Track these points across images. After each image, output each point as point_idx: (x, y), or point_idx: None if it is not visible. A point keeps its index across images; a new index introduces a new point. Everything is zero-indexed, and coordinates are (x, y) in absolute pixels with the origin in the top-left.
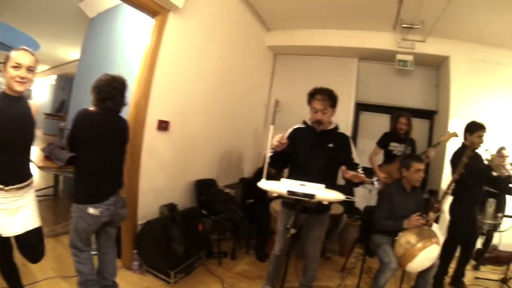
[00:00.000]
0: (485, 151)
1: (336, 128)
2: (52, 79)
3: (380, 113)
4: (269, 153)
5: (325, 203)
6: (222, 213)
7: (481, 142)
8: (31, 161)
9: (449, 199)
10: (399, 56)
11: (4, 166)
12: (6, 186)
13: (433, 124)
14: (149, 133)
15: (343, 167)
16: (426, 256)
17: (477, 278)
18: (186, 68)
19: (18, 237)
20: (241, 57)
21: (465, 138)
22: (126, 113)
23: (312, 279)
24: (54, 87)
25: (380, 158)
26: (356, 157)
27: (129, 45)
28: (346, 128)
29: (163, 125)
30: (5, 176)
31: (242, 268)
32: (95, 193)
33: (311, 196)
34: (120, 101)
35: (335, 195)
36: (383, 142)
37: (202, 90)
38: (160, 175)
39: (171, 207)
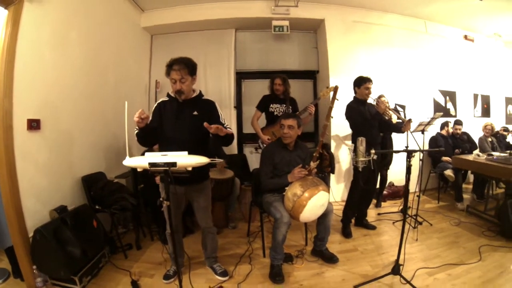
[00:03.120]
0: (374, 100)
1: (200, 95)
2: None
3: (262, 79)
4: (135, 130)
5: (189, 169)
6: (114, 204)
7: (369, 93)
8: None
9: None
10: (275, 22)
11: None
12: None
13: (316, 82)
14: (19, 135)
15: (206, 123)
16: (315, 203)
17: (379, 214)
18: (51, 60)
19: None
20: (112, 41)
21: (355, 92)
22: None
23: (214, 250)
24: None
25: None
26: (224, 120)
27: None
28: (229, 98)
29: (33, 124)
30: None
31: (149, 255)
32: None
33: (173, 164)
34: None
35: (198, 159)
36: (262, 105)
37: (72, 82)
38: (42, 178)
39: (62, 209)
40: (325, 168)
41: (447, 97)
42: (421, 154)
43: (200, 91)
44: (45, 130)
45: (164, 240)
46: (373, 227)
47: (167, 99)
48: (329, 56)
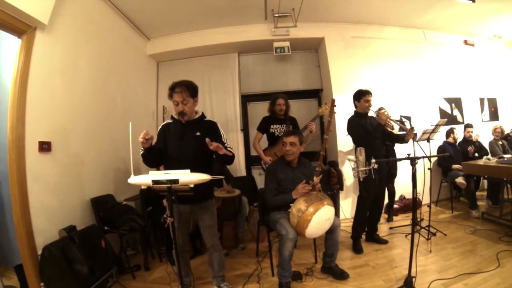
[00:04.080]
0: (374, 112)
1: (202, 116)
2: None
3: (267, 101)
4: (140, 151)
5: (191, 185)
6: (123, 225)
7: (369, 105)
8: None
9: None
10: (276, 44)
11: None
12: None
13: (321, 101)
14: (31, 156)
15: (207, 139)
16: (320, 218)
17: (391, 228)
18: (61, 86)
19: None
20: (120, 69)
21: (355, 106)
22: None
23: (221, 268)
24: None
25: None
26: (226, 140)
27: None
28: (235, 121)
29: (44, 146)
30: None
31: (157, 276)
32: None
33: (175, 181)
34: None
35: (199, 176)
36: (263, 127)
37: (82, 107)
38: (52, 198)
39: (71, 228)
40: (334, 186)
41: (453, 104)
42: (429, 163)
43: (203, 113)
44: (56, 152)
45: (172, 261)
46: (384, 241)
47: (171, 121)
48: (331, 73)
